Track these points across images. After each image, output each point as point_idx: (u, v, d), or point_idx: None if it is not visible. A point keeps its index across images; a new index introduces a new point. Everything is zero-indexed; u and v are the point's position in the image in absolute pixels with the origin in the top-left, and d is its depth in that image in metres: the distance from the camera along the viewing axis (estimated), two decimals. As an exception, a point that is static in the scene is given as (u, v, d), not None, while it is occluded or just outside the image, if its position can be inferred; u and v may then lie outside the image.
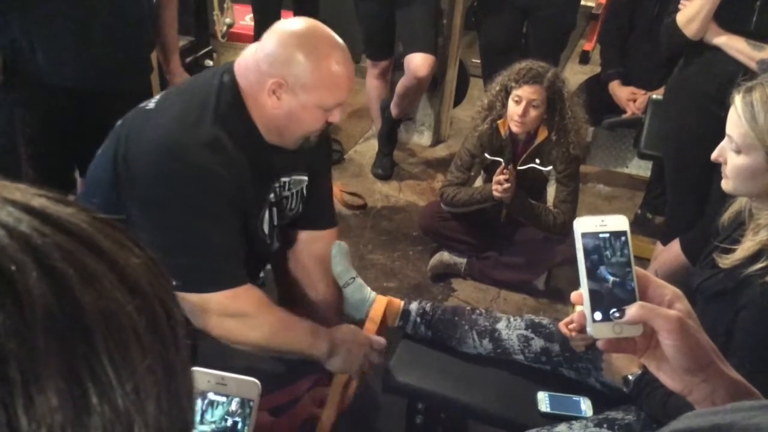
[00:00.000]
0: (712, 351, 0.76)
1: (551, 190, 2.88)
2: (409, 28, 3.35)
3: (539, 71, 2.62)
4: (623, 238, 0.79)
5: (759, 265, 1.42)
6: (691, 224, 2.50)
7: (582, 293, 0.78)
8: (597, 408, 1.76)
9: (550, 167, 2.76)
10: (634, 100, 3.32)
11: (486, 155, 2.82)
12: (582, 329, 0.79)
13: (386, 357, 1.91)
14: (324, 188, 1.98)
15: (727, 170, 1.53)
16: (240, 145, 1.61)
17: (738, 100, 1.49)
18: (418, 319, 1.95)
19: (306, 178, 1.87)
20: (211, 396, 1.03)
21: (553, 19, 3.38)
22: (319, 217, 1.97)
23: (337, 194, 3.46)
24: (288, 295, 2.05)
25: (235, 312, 1.65)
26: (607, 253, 0.78)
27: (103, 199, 1.65)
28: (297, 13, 3.32)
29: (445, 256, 3.04)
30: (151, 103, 1.68)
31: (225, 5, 3.54)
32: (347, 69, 1.62)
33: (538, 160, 2.76)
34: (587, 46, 5.34)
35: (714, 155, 1.57)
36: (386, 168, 3.75)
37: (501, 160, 2.77)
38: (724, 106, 1.57)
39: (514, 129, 2.69)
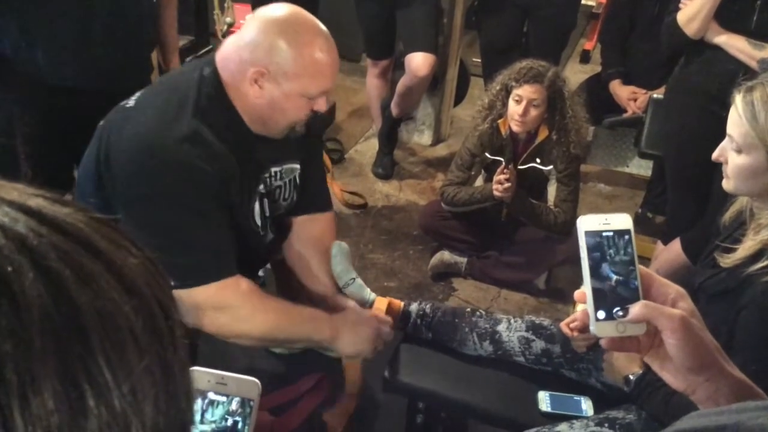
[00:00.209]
0: (716, 350, 0.76)
1: (552, 190, 2.88)
2: (409, 27, 3.35)
3: (540, 70, 2.62)
4: (627, 237, 0.79)
5: (760, 265, 1.42)
6: (691, 223, 2.50)
7: (585, 292, 0.78)
8: (598, 408, 1.76)
9: (551, 166, 2.76)
10: (635, 100, 3.32)
11: (486, 154, 2.82)
12: (585, 328, 0.79)
13: (386, 357, 1.91)
14: (317, 174, 1.94)
15: (728, 170, 1.53)
16: (223, 137, 1.58)
17: (739, 99, 1.49)
18: (419, 321, 1.95)
19: (298, 166, 1.84)
20: (211, 395, 1.03)
21: (553, 18, 3.38)
22: (313, 202, 1.93)
23: (338, 193, 3.46)
24: (287, 288, 2.01)
25: (224, 304, 1.60)
26: (611, 251, 0.78)
27: (91, 199, 1.64)
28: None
29: (445, 255, 3.04)
30: (131, 101, 1.65)
31: (225, 4, 3.54)
32: (331, 56, 1.58)
33: (538, 160, 2.76)
34: (588, 45, 5.34)
35: (715, 155, 1.57)
36: (387, 167, 3.75)
37: (501, 159, 2.77)
38: (725, 106, 1.56)
39: (515, 128, 2.69)
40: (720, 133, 1.55)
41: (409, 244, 3.25)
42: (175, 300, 0.42)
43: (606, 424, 1.62)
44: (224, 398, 1.03)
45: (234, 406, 1.03)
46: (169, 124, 1.54)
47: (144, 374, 0.36)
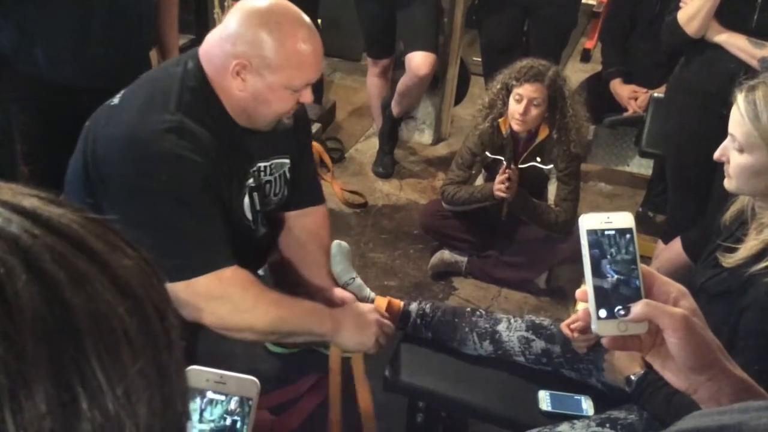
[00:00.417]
0: (718, 349, 0.75)
1: (552, 189, 2.87)
2: (409, 26, 3.35)
3: (540, 69, 2.62)
4: (628, 236, 0.78)
5: (763, 264, 1.41)
6: (692, 223, 2.50)
7: (587, 290, 0.78)
8: (598, 407, 1.75)
9: (551, 165, 2.76)
10: (636, 99, 3.32)
11: (487, 153, 2.82)
12: (586, 329, 0.79)
13: (386, 357, 1.90)
14: (307, 167, 1.93)
15: (730, 169, 1.53)
16: (209, 129, 1.56)
17: (740, 98, 1.49)
18: (418, 321, 1.94)
19: (288, 160, 1.82)
20: (210, 394, 1.02)
21: (554, 17, 3.38)
22: (305, 197, 1.92)
23: (338, 193, 3.46)
24: (286, 287, 2.00)
25: (222, 295, 1.58)
26: (613, 250, 0.78)
27: (88, 200, 1.62)
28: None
29: (445, 254, 3.03)
30: (116, 99, 1.64)
31: (225, 3, 3.53)
32: (314, 47, 1.56)
33: (539, 159, 2.75)
34: (588, 44, 5.34)
35: (716, 155, 1.56)
36: (387, 166, 3.75)
37: (502, 158, 2.77)
38: (725, 104, 1.56)
39: (515, 127, 2.69)
40: (720, 132, 1.55)
41: (410, 243, 3.24)
42: (170, 301, 0.41)
43: (607, 424, 1.62)
44: (223, 397, 1.02)
45: (233, 405, 1.03)
46: (152, 117, 1.53)
47: (138, 376, 0.36)
